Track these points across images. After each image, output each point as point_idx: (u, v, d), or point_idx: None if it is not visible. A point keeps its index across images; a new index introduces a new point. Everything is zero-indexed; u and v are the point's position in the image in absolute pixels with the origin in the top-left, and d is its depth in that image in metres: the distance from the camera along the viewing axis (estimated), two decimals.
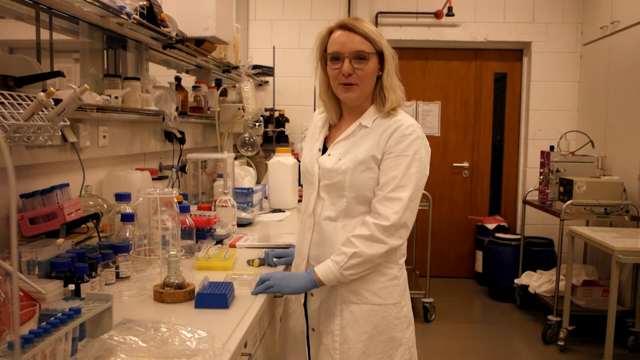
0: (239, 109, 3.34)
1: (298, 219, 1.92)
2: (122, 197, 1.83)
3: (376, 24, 4.77)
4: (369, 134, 1.59)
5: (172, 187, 2.57)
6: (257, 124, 3.58)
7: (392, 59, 1.60)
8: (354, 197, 1.58)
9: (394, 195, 1.52)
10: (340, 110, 1.70)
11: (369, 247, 1.52)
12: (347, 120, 1.67)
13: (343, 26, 1.57)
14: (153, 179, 2.37)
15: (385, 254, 1.54)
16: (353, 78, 1.55)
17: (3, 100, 1.41)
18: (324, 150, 1.68)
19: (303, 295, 1.69)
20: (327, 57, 1.59)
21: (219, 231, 2.16)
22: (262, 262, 1.86)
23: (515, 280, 4.41)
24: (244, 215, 2.58)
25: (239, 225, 2.50)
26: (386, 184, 1.54)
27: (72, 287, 1.36)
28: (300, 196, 3.37)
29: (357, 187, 1.57)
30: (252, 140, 3.52)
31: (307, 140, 1.77)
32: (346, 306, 1.61)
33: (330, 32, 1.60)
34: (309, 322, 1.70)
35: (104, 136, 2.13)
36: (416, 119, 4.92)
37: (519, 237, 4.59)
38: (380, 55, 1.58)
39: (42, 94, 1.45)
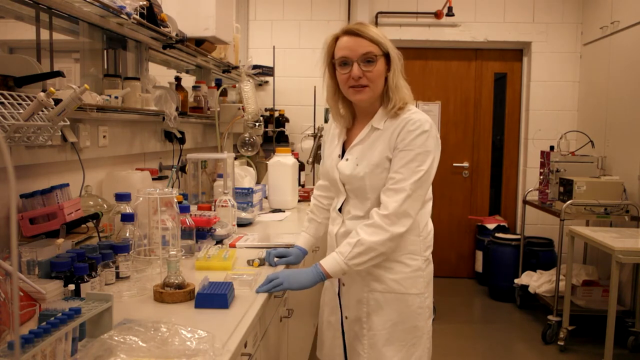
0: (239, 109, 3.34)
1: (306, 220, 1.98)
2: (122, 197, 1.83)
3: (376, 24, 4.77)
4: (382, 135, 1.64)
5: (172, 187, 2.57)
6: (257, 124, 3.58)
7: (398, 60, 1.64)
8: (376, 198, 1.65)
9: (395, 187, 1.59)
10: (354, 113, 1.74)
11: (370, 235, 1.57)
12: (360, 123, 1.72)
13: (349, 32, 1.61)
14: (153, 179, 2.37)
15: (389, 241, 1.58)
16: (363, 80, 1.60)
17: (3, 100, 1.41)
18: (344, 153, 1.73)
19: (336, 284, 1.78)
20: (336, 63, 1.63)
21: (219, 231, 2.16)
22: (262, 262, 1.86)
23: (515, 280, 4.41)
24: (244, 215, 2.58)
25: (239, 225, 2.50)
26: (391, 177, 1.60)
27: (72, 287, 1.36)
28: (300, 196, 3.38)
29: (377, 188, 1.64)
30: (252, 140, 3.52)
31: (326, 147, 1.82)
32: (372, 294, 1.69)
33: (336, 38, 1.64)
34: (343, 310, 1.78)
35: (104, 136, 2.12)
36: None
37: (519, 237, 4.59)
38: (387, 56, 1.62)
39: (42, 94, 1.45)
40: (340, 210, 1.75)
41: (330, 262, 1.60)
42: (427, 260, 1.73)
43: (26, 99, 1.50)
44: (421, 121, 1.60)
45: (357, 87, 1.60)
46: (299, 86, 4.84)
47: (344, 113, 1.73)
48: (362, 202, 1.68)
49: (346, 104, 1.72)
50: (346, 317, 1.78)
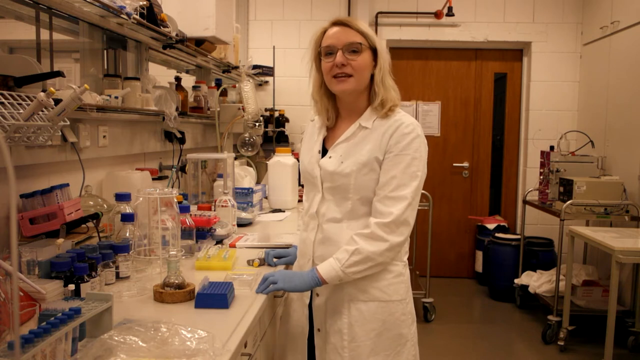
0: (239, 109, 3.34)
1: (300, 220, 1.92)
2: (122, 197, 1.83)
3: (376, 24, 4.77)
4: (370, 135, 1.59)
5: (172, 187, 2.57)
6: (257, 124, 3.58)
7: (386, 57, 1.61)
8: (358, 199, 1.59)
9: (395, 194, 1.53)
10: (337, 111, 1.70)
11: (369, 244, 1.52)
12: (345, 121, 1.67)
13: (337, 23, 1.61)
14: (153, 179, 2.37)
15: (388, 251, 1.54)
16: (348, 69, 1.56)
17: (3, 100, 1.41)
18: (324, 152, 1.67)
19: (308, 295, 1.70)
20: (322, 53, 1.61)
21: (219, 231, 2.16)
22: (262, 262, 1.86)
23: (515, 280, 4.41)
24: (244, 215, 2.58)
25: (239, 225, 2.50)
26: (387, 183, 1.54)
27: (72, 287, 1.36)
28: (300, 196, 3.38)
29: (362, 189, 1.58)
30: (252, 140, 3.52)
31: (305, 142, 1.77)
32: (353, 304, 1.61)
33: (324, 31, 1.63)
34: (315, 323, 1.69)
35: (104, 136, 2.13)
36: (416, 119, 4.96)
37: (519, 237, 4.59)
38: (374, 51, 1.60)
39: (42, 94, 1.45)
40: (315, 213, 1.66)
41: (326, 268, 1.55)
42: (405, 265, 1.68)
43: (26, 99, 1.50)
44: (413, 125, 1.57)
45: (341, 76, 1.56)
46: (299, 86, 4.84)
47: (328, 109, 1.68)
48: (341, 203, 1.60)
49: (330, 101, 1.68)
50: (319, 330, 1.68)
